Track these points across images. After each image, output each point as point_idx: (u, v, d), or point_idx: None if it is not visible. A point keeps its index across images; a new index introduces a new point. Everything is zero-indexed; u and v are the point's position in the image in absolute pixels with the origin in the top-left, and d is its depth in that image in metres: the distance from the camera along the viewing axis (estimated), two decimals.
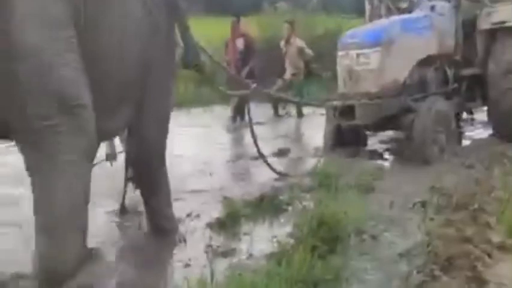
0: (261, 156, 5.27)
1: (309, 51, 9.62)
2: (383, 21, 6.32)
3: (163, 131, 3.79)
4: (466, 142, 6.58)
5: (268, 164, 5.22)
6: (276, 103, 9.45)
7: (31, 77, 2.54)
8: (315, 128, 6.81)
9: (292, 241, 3.24)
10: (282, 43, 9.81)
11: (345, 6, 18.12)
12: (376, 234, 3.54)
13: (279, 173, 5.22)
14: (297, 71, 9.50)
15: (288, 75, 9.50)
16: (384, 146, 6.50)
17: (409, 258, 3.12)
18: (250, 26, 12.50)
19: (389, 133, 6.63)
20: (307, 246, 2.98)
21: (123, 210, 4.33)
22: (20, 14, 2.52)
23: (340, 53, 6.01)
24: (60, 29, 2.68)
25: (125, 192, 4.29)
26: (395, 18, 6.23)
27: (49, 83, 2.57)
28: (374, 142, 6.61)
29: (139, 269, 3.27)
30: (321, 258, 2.95)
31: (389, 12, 6.79)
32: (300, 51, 9.51)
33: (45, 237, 2.60)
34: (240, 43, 9.07)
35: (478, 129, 6.99)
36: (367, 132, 6.45)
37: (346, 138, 6.19)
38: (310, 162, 5.69)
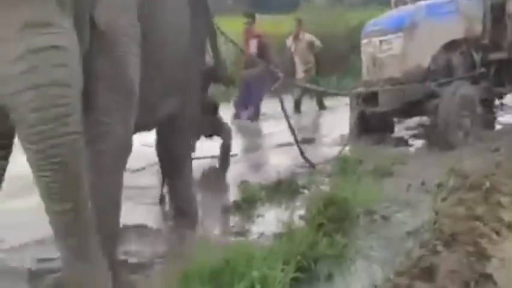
0: (296, 144, 5.32)
1: (318, 44, 9.53)
2: (407, 7, 6.27)
3: (194, 126, 4.04)
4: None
5: (302, 153, 5.26)
6: (299, 98, 9.29)
7: (105, 70, 2.53)
8: (340, 118, 6.82)
9: (301, 222, 3.32)
10: (290, 40, 9.61)
11: None
12: (388, 215, 3.56)
13: (310, 164, 5.24)
14: (308, 66, 9.38)
15: (299, 73, 9.32)
16: (410, 133, 6.46)
17: (416, 236, 3.14)
18: (287, 24, 12.54)
19: (416, 119, 6.58)
20: (313, 224, 3.05)
21: (162, 200, 4.42)
22: None
23: (363, 41, 6.03)
24: (134, 17, 2.72)
25: (162, 184, 4.39)
26: (420, 3, 6.17)
27: (118, 78, 2.61)
28: (401, 129, 6.57)
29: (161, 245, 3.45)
30: (326, 236, 3.00)
31: None
32: (310, 44, 9.41)
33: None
34: (253, 45, 8.48)
35: (508, 114, 6.84)
36: (394, 120, 6.43)
37: (372, 125, 6.19)
38: (335, 150, 5.72)
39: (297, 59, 9.45)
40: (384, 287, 2.55)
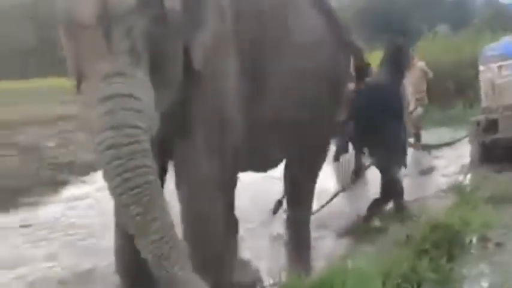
0: None
1: (430, 72, 9.20)
2: None
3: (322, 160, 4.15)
4: None
5: None
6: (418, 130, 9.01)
7: (200, 114, 2.77)
8: (463, 148, 6.64)
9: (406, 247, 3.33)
10: None
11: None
12: (503, 241, 3.44)
13: None
14: (421, 94, 9.05)
15: (412, 105, 9.05)
16: None
17: None
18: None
19: None
20: (416, 248, 3.07)
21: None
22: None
23: (481, 68, 5.88)
24: (234, 54, 2.95)
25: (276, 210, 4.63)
26: None
27: (213, 122, 2.85)
28: None
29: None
30: (431, 260, 2.99)
31: None
32: (424, 73, 9.11)
33: None
34: None
35: None
36: None
37: (495, 155, 5.92)
38: (454, 180, 5.57)
39: (410, 89, 9.15)
40: None
